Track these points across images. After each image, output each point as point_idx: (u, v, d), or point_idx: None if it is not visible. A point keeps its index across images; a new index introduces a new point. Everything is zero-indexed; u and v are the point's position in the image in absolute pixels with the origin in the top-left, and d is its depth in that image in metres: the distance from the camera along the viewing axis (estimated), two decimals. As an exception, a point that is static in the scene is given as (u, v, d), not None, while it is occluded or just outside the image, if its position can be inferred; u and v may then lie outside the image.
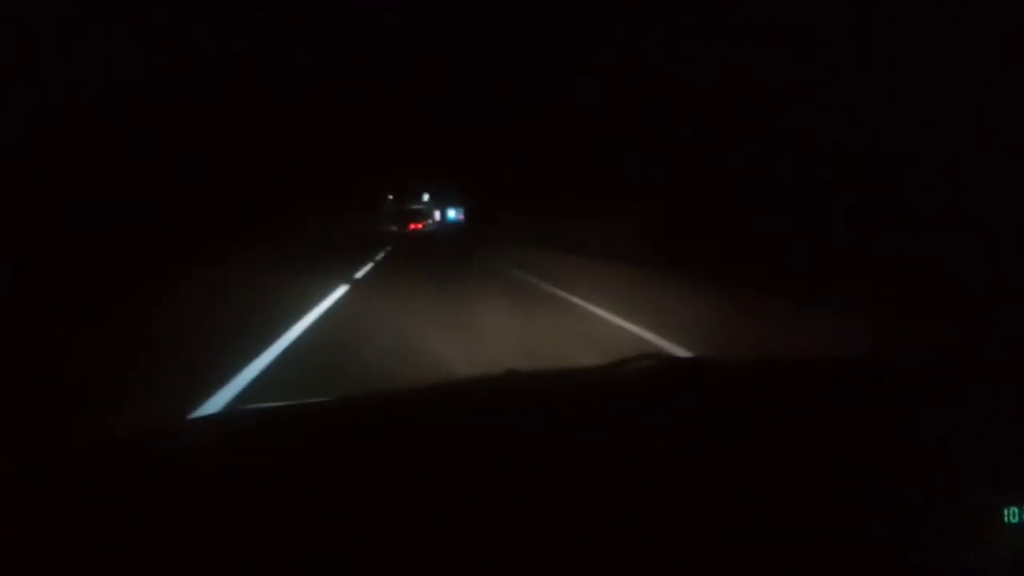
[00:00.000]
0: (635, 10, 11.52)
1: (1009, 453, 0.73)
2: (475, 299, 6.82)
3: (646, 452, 0.79)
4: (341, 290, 7.49)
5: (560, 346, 4.59)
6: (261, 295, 7.35)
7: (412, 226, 44.82)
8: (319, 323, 5.36)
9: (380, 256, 13.98)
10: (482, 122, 26.64)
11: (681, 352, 4.19)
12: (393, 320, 5.57)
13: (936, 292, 5.11)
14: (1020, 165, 5.58)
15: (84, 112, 10.91)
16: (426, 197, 53.86)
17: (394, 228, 43.02)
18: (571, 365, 1.54)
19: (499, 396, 1.13)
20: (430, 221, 49.89)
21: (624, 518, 0.64)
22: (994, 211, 5.77)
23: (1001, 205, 5.67)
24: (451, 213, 50.08)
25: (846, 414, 0.90)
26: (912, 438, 0.81)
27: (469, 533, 0.62)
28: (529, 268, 10.15)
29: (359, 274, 9.65)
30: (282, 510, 0.67)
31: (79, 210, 10.88)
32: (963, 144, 6.16)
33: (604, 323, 5.51)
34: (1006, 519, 0.61)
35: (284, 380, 3.55)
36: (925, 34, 6.53)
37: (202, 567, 0.59)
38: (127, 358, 4.15)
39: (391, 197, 52.13)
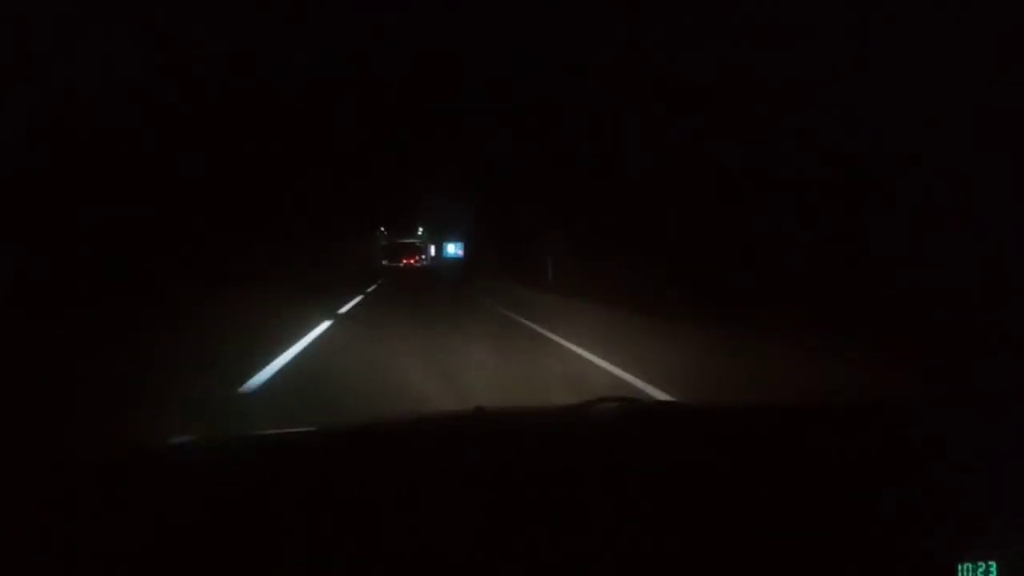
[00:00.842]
0: (635, 10, 11.51)
1: (964, 511, 0.73)
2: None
3: (610, 486, 0.80)
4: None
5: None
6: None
7: (405, 260, 43.47)
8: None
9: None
10: (482, 129, 26.35)
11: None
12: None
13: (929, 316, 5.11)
14: (1019, 166, 5.57)
15: (83, 113, 10.91)
16: (420, 231, 49.37)
17: (385, 262, 41.56)
18: (542, 404, 1.53)
19: (466, 431, 1.14)
20: (423, 256, 47.13)
21: (587, 549, 0.65)
22: (993, 213, 5.76)
23: (1000, 207, 5.67)
24: (450, 248, 44.36)
25: (810, 462, 0.90)
26: (870, 493, 0.80)
27: (432, 560, 0.63)
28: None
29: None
30: (258, 536, 0.68)
31: (79, 212, 10.88)
32: (963, 144, 6.15)
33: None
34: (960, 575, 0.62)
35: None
36: (925, 34, 6.52)
37: None
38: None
39: (383, 230, 47.72)
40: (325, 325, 8.08)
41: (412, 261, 45.38)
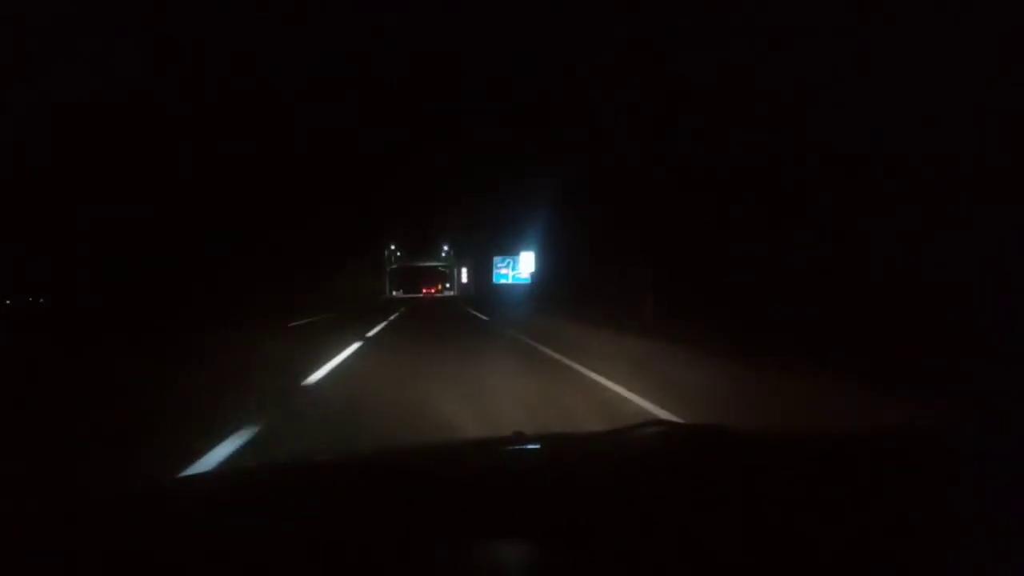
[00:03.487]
0: (635, 10, 11.51)
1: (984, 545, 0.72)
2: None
3: (656, 515, 0.78)
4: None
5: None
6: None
7: (425, 290, 36.11)
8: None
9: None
10: (483, 126, 25.51)
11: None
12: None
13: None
14: (1019, 167, 5.57)
15: (84, 114, 10.95)
16: (445, 249, 37.23)
17: (397, 293, 33.86)
18: (579, 430, 1.44)
19: (506, 458, 1.11)
20: (446, 285, 37.73)
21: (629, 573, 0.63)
22: (993, 212, 5.75)
23: (998, 208, 5.66)
24: (507, 268, 25.01)
25: (844, 490, 0.89)
26: (910, 520, 0.79)
27: None
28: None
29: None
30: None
31: (79, 213, 10.92)
32: (963, 145, 6.14)
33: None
34: None
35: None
36: (924, 34, 6.51)
37: None
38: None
39: (393, 247, 36.34)
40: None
41: (432, 291, 36.44)
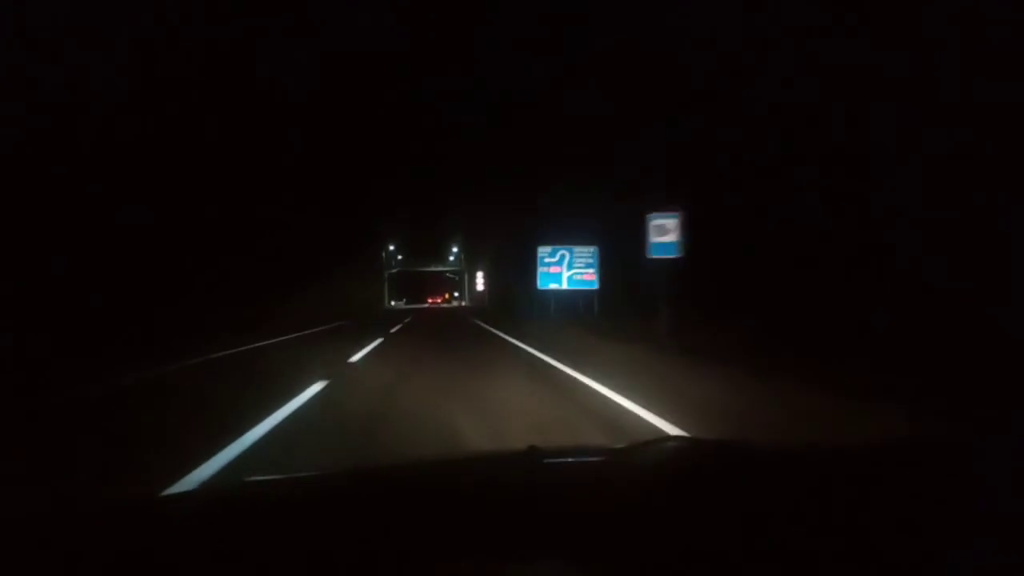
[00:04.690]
0: (639, 10, 11.47)
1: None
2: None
3: (674, 533, 0.79)
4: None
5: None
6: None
7: (431, 300, 30.95)
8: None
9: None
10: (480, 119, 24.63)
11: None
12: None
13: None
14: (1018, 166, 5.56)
15: (83, 122, 10.92)
16: (454, 252, 31.88)
17: (397, 303, 28.39)
18: (593, 444, 1.40)
19: (522, 473, 1.11)
20: (455, 293, 32.55)
21: None
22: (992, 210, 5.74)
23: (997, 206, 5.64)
24: (559, 266, 15.25)
25: (860, 500, 0.89)
26: (926, 529, 0.79)
27: None
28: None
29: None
30: None
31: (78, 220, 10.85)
32: (961, 144, 6.13)
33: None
34: None
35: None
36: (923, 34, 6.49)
37: None
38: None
39: (392, 248, 30.24)
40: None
41: (440, 300, 32.39)
